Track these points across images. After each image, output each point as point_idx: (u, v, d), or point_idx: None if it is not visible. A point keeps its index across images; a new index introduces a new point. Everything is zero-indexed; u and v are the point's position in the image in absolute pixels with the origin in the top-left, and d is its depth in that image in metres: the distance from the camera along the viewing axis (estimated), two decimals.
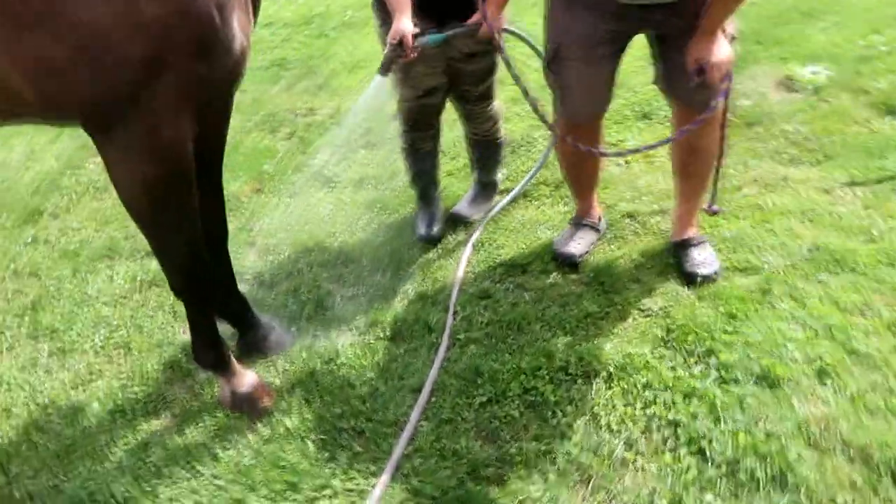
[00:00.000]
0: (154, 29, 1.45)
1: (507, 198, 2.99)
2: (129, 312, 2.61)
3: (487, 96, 2.76)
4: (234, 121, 3.88)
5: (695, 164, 2.41)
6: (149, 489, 1.94)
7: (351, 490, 1.87)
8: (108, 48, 1.44)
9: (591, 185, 2.69)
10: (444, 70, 2.60)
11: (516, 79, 2.35)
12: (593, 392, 2.07)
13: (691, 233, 2.53)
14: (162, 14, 1.44)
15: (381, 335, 2.39)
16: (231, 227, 3.01)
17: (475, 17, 2.35)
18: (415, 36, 2.23)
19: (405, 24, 2.21)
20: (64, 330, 2.58)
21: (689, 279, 2.42)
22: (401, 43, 2.21)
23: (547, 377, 2.13)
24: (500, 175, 3.03)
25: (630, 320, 2.34)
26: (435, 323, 2.40)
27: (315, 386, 2.20)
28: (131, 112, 1.54)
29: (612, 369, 2.13)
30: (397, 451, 1.93)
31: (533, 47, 2.68)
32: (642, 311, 2.36)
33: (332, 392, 2.17)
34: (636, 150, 2.27)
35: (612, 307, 2.40)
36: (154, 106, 1.54)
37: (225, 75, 1.69)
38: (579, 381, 2.11)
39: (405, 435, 1.98)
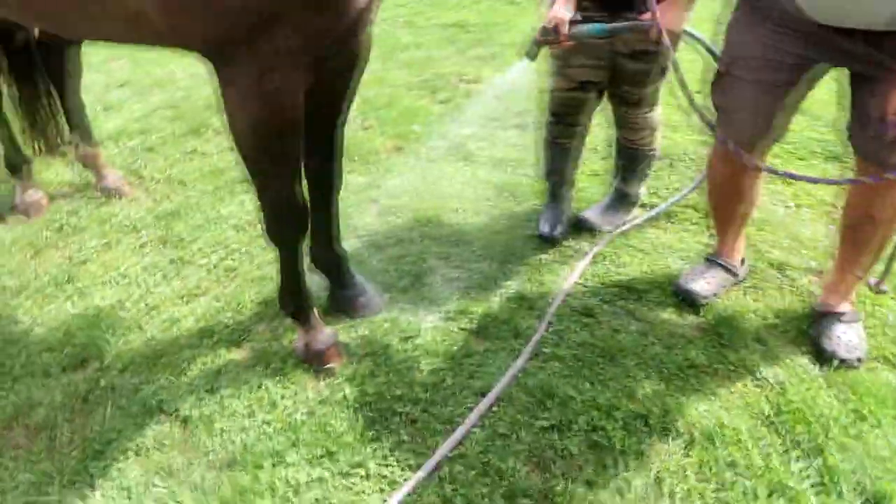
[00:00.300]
0: None
1: (646, 215, 2.75)
2: (247, 239, 2.72)
3: (647, 102, 2.52)
4: (400, 76, 3.96)
5: (867, 231, 2.04)
6: (207, 415, 2.02)
7: (384, 476, 1.82)
8: None
9: (740, 221, 2.38)
10: (606, 65, 2.40)
11: (683, 85, 2.08)
12: (667, 453, 1.85)
13: (844, 306, 2.17)
14: None
15: (467, 326, 2.30)
16: (361, 180, 3.09)
17: (648, 14, 2.12)
18: (572, 23, 2.06)
19: (562, 9, 2.05)
20: (189, 241, 2.75)
21: (824, 358, 2.09)
22: (555, 28, 2.05)
23: (621, 421, 1.94)
24: (642, 188, 2.78)
25: (738, 385, 2.06)
26: (524, 329, 2.27)
27: (385, 360, 2.17)
28: (246, 55, 1.54)
29: (697, 434, 1.89)
30: (440, 452, 1.85)
31: (714, 55, 2.38)
32: (756, 378, 2.07)
33: (399, 371, 2.13)
34: (795, 176, 1.95)
35: (723, 364, 2.13)
36: (267, 53, 1.53)
37: (343, 30, 1.64)
38: (656, 435, 1.90)
39: (454, 437, 1.89)
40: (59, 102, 2.99)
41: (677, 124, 3.28)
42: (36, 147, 3.01)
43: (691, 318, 2.30)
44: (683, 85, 2.05)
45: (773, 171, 2.02)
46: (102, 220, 2.94)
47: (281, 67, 1.57)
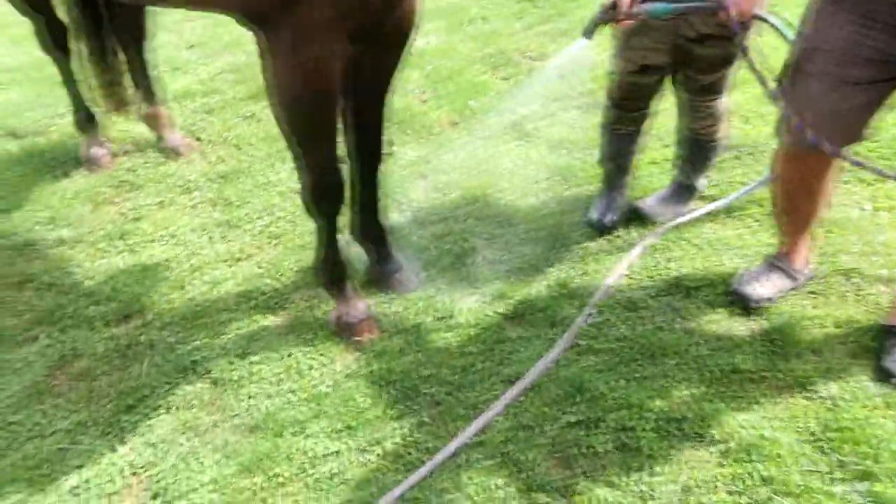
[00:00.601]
0: None
1: (705, 208, 2.60)
2: (292, 207, 2.73)
3: (715, 90, 2.36)
4: (463, 49, 3.87)
5: None
6: (236, 379, 2.05)
7: (399, 457, 1.80)
8: None
9: (807, 224, 2.21)
10: (671, 49, 2.26)
11: (756, 73, 1.90)
12: (699, 462, 1.76)
13: None
14: None
15: (503, 311, 2.24)
16: (413, 154, 3.04)
17: None
18: (634, 0, 1.94)
19: None
20: (238, 206, 2.78)
21: (886, 377, 1.93)
22: (615, 6, 1.93)
23: (653, 423, 1.85)
24: (704, 180, 2.62)
25: (785, 396, 1.93)
26: (562, 318, 2.19)
27: (417, 339, 2.14)
28: (284, 24, 1.52)
29: (733, 445, 1.78)
30: (461, 438, 1.82)
31: (791, 42, 2.20)
32: (806, 391, 1.94)
33: (429, 351, 2.09)
34: (884, 173, 1.79)
35: (772, 373, 2.00)
36: (302, 21, 1.50)
37: (384, 5, 1.59)
38: (688, 442, 1.80)
39: (476, 424, 1.85)
40: (126, 61, 3.05)
41: (749, 114, 3.09)
42: (103, 104, 3.09)
43: (742, 321, 2.17)
44: (757, 74, 1.90)
45: (859, 164, 1.83)
46: (159, 179, 3.00)
47: (318, 37, 1.54)
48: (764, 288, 2.20)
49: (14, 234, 2.74)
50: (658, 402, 1.90)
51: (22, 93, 3.77)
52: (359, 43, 1.65)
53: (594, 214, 2.55)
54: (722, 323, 2.17)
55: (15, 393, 2.08)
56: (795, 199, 2.15)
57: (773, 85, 1.92)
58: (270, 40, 1.58)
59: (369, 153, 2.08)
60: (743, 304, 2.20)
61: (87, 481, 1.82)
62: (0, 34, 4.32)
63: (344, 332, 2.13)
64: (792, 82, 1.90)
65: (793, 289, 2.25)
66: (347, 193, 2.00)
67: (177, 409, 1.99)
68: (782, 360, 2.03)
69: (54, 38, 2.89)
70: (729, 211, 2.61)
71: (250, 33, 1.67)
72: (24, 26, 2.83)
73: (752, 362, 2.03)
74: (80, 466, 1.85)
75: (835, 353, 2.03)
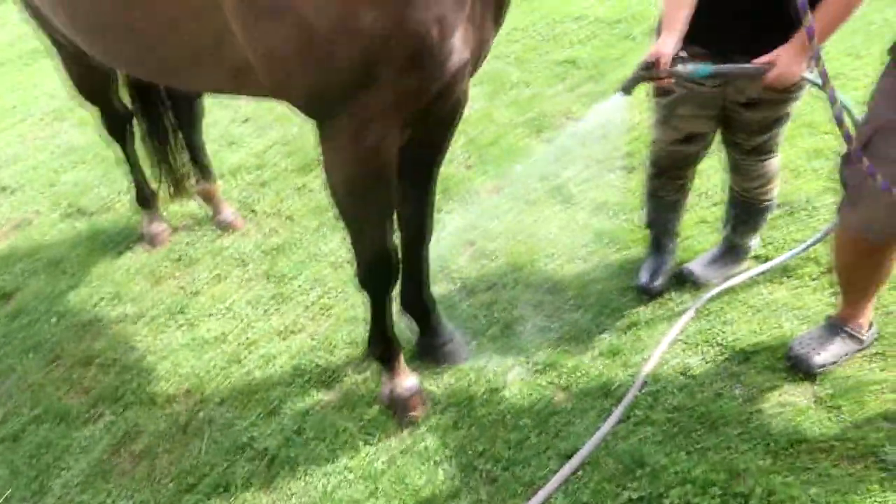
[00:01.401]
0: (369, 40, 1.44)
1: (759, 268, 2.55)
2: (344, 278, 2.78)
3: (765, 150, 2.32)
4: (506, 114, 3.94)
5: None
6: (293, 457, 2.07)
7: None
8: (326, 50, 1.47)
9: (871, 287, 2.12)
10: (717, 115, 2.24)
11: (840, 124, 1.63)
12: None
13: None
14: (378, 26, 1.43)
15: (555, 381, 2.22)
16: (459, 221, 3.08)
17: (765, 58, 1.96)
18: (675, 60, 1.93)
19: (666, 43, 1.91)
20: (291, 278, 2.85)
21: None
22: (655, 64, 1.93)
23: (718, 499, 1.79)
24: (755, 241, 2.58)
25: (858, 467, 1.85)
26: (616, 388, 2.16)
27: (469, 412, 2.13)
28: (341, 112, 1.58)
29: None
30: None
31: (847, 112, 1.92)
32: (880, 461, 1.85)
33: (482, 425, 2.08)
34: None
35: (842, 442, 1.92)
36: (362, 111, 1.55)
37: (439, 88, 1.64)
38: None
39: (533, 503, 1.82)
40: (184, 141, 3.21)
41: (800, 168, 3.04)
42: (162, 182, 3.24)
43: (805, 387, 2.10)
44: (843, 130, 1.64)
45: None
46: (215, 252, 3.10)
47: (377, 124, 1.60)
48: (827, 352, 2.13)
49: (81, 311, 2.85)
50: (721, 476, 1.84)
51: (89, 171, 3.98)
52: (412, 126, 1.71)
53: (642, 279, 2.53)
54: (784, 389, 2.11)
55: (81, 471, 2.14)
56: (859, 270, 2.08)
57: (854, 143, 1.73)
58: (330, 128, 1.64)
59: (418, 228, 2.12)
60: (804, 370, 2.13)
61: None
62: (70, 115, 4.58)
63: (396, 406, 2.14)
64: (852, 167, 1.83)
65: (857, 351, 2.18)
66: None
67: (235, 488, 2.01)
68: (852, 429, 1.95)
69: (111, 125, 3.06)
70: (784, 270, 2.56)
71: None
72: (89, 108, 3.02)
73: (819, 431, 1.95)
74: None
75: None
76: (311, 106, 1.65)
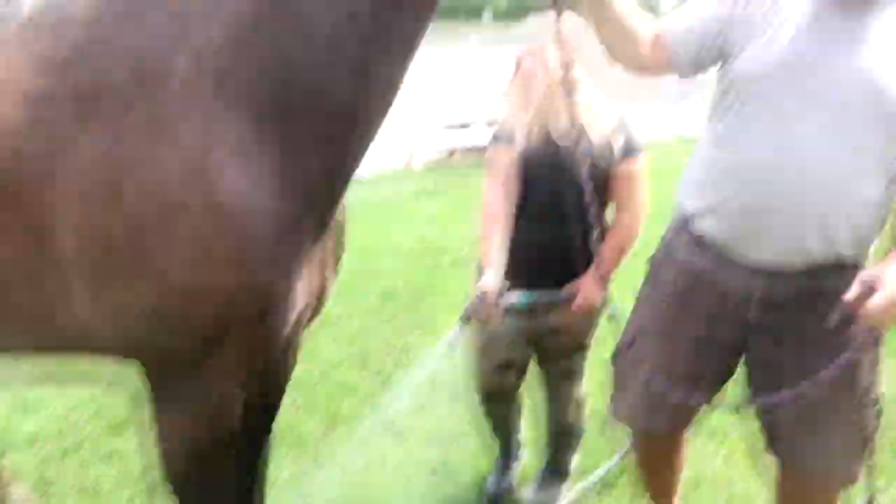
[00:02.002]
0: (223, 296, 1.46)
1: (578, 487, 2.70)
2: None
3: (575, 376, 2.58)
4: (329, 352, 4.00)
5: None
6: None
7: None
8: (183, 308, 1.46)
9: (670, 486, 2.34)
10: (527, 343, 2.46)
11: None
12: None
13: None
14: (226, 284, 1.45)
15: None
16: (290, 472, 2.96)
17: (571, 286, 2.28)
18: (499, 293, 2.13)
19: (489, 279, 2.12)
20: None
21: None
22: (483, 300, 2.11)
23: None
24: (573, 462, 2.76)
25: None
26: None
27: None
28: (190, 369, 1.53)
29: None
30: None
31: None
32: None
33: None
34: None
35: None
36: (212, 368, 1.53)
37: (284, 336, 1.67)
38: None
39: None
40: None
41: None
42: None
43: None
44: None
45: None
46: None
47: (227, 381, 1.57)
48: None
49: None
50: None
51: None
52: (250, 385, 1.68)
53: (490, 489, 2.60)
54: None
55: None
56: (656, 467, 2.30)
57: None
58: (172, 389, 1.56)
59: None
60: None
61: None
62: None
63: None
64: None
65: None
66: None
67: None
68: None
69: None
70: (606, 484, 2.72)
71: None
72: None
73: None
74: None
75: None
76: (163, 364, 1.58)
